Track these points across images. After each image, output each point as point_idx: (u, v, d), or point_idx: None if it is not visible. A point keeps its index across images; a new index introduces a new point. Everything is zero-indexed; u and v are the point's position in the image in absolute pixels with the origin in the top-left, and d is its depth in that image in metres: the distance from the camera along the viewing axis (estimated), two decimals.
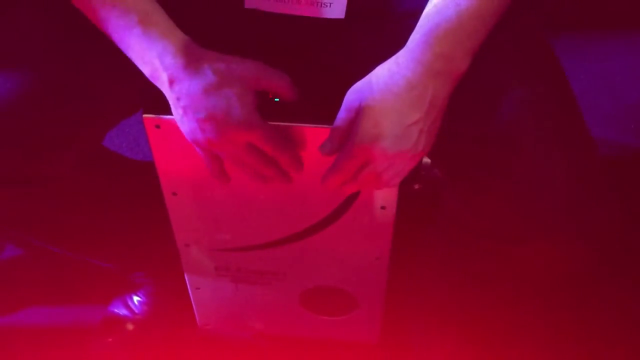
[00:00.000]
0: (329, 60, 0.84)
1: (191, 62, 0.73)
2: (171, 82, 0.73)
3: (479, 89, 0.78)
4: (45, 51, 0.82)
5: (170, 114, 0.77)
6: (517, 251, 0.84)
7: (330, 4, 0.79)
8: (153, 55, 0.73)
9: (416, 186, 1.35)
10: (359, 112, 0.72)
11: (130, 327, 1.22)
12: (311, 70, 0.82)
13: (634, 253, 1.25)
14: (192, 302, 1.12)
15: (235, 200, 0.91)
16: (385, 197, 0.88)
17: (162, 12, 0.75)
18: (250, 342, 1.22)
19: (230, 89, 0.73)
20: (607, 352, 1.16)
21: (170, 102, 0.75)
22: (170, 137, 0.81)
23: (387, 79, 0.71)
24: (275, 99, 0.82)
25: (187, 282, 1.07)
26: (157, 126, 0.80)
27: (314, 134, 0.78)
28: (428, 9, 0.72)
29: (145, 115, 0.80)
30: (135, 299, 1.22)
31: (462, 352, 1.10)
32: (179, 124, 0.76)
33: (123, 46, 0.75)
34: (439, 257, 1.04)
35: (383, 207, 0.89)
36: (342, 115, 0.74)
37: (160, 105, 0.77)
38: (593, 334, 1.18)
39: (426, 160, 1.34)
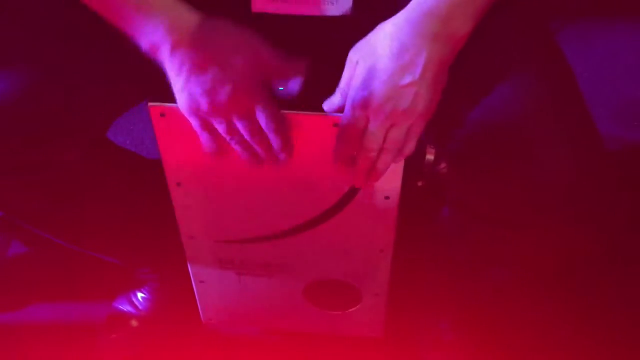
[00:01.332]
0: (337, 57, 0.84)
1: (198, 30, 0.73)
2: (174, 49, 0.72)
3: (485, 76, 0.79)
4: (49, 41, 0.83)
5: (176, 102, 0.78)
6: (521, 236, 0.84)
7: (337, 1, 0.79)
8: (156, 23, 0.72)
9: (420, 183, 1.35)
10: (356, 71, 0.73)
11: (134, 323, 1.22)
12: (320, 67, 0.82)
13: (636, 243, 1.25)
14: (196, 296, 1.12)
15: (240, 192, 0.92)
16: (388, 187, 0.88)
17: None
18: (254, 337, 1.22)
19: (238, 57, 0.73)
20: (608, 346, 1.15)
21: (172, 73, 0.74)
22: (176, 126, 0.81)
23: (382, 41, 0.72)
24: (280, 88, 0.82)
25: (191, 275, 1.07)
26: (163, 114, 0.81)
27: (319, 123, 0.79)
28: None
29: (150, 104, 0.80)
30: (140, 295, 1.23)
31: (466, 345, 1.10)
32: (179, 96, 0.75)
33: (120, 20, 0.74)
34: (442, 251, 1.05)
35: (387, 198, 0.89)
36: (345, 73, 0.75)
37: (166, 94, 0.78)
38: (595, 326, 1.18)
39: (429, 157, 1.34)
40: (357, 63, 0.73)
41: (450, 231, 0.99)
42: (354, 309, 1.10)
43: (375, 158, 0.77)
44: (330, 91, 0.79)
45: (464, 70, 0.77)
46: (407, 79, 0.71)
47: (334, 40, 0.83)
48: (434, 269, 1.10)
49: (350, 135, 0.76)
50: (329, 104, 0.77)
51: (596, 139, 0.82)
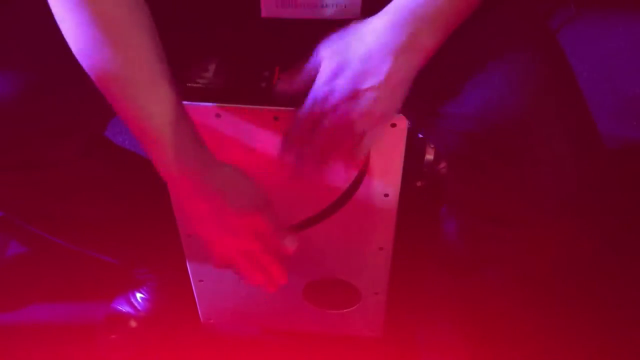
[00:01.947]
0: None
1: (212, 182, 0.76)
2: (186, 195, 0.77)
3: (484, 74, 0.79)
4: (47, 40, 0.83)
5: None
6: (520, 235, 0.84)
7: (345, 5, 0.80)
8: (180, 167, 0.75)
9: (419, 183, 1.35)
10: (322, 64, 0.74)
11: (133, 324, 1.22)
12: None
13: (636, 242, 1.24)
14: (195, 295, 1.12)
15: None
16: (388, 185, 0.88)
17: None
18: (253, 337, 1.21)
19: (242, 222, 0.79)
20: (608, 346, 1.15)
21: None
22: None
23: (352, 42, 0.73)
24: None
25: (190, 274, 1.07)
26: None
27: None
28: None
29: None
30: (139, 295, 1.22)
31: (466, 344, 1.10)
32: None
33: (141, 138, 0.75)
34: (442, 250, 1.05)
35: (386, 195, 0.89)
36: (309, 64, 0.75)
37: None
38: (596, 325, 1.18)
39: (429, 157, 1.34)
40: (324, 59, 0.74)
41: (449, 230, 0.99)
42: (353, 308, 1.10)
43: (321, 153, 0.78)
44: None
45: (461, 67, 0.77)
46: (369, 83, 0.72)
47: None
48: (434, 268, 1.10)
49: (304, 126, 0.76)
50: (286, 85, 0.78)
51: (596, 138, 0.82)
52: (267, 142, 0.84)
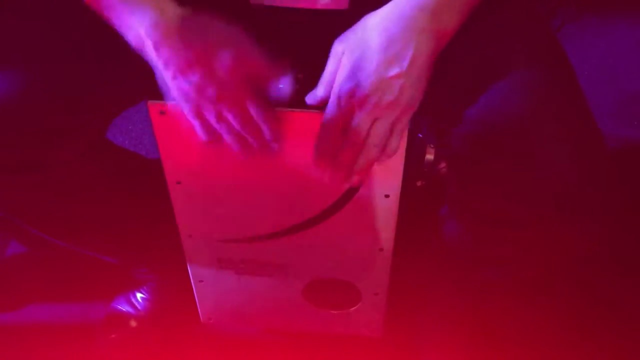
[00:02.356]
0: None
1: (182, 26, 0.72)
2: (157, 46, 0.72)
3: (485, 73, 0.79)
4: (47, 41, 0.83)
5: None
6: (521, 236, 0.84)
7: None
8: (140, 18, 0.72)
9: (419, 183, 1.35)
10: (341, 62, 0.73)
11: (133, 323, 1.22)
12: (317, 61, 0.82)
13: (636, 242, 1.25)
14: (195, 296, 1.12)
15: (239, 190, 0.91)
16: (388, 185, 0.88)
17: None
18: (253, 337, 1.21)
19: (223, 54, 0.73)
20: (609, 346, 1.15)
21: (159, 68, 0.74)
22: (175, 124, 0.81)
23: (370, 32, 0.72)
24: (280, 85, 0.82)
25: (190, 274, 1.07)
26: (162, 112, 0.80)
27: (315, 120, 0.79)
28: None
29: (149, 102, 0.80)
30: (139, 295, 1.22)
31: (466, 345, 1.10)
32: (168, 88, 0.75)
33: (106, 11, 0.73)
34: (442, 251, 1.05)
35: (387, 196, 0.89)
36: (329, 65, 0.74)
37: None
38: (597, 326, 1.18)
39: (429, 157, 1.34)
40: (343, 54, 0.73)
41: (449, 231, 0.99)
42: (353, 309, 1.10)
43: (358, 154, 0.77)
44: None
45: (463, 67, 0.77)
46: (394, 71, 0.71)
47: (332, 34, 0.83)
48: (434, 269, 1.10)
49: (334, 128, 0.75)
50: (312, 97, 0.76)
51: (597, 138, 0.82)
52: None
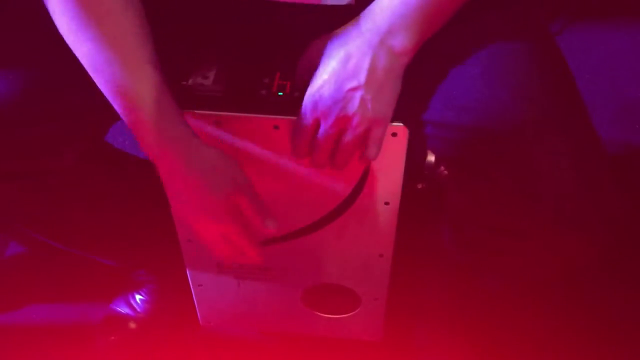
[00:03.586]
0: None
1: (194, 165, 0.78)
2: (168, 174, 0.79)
3: (484, 82, 0.78)
4: (44, 47, 0.82)
5: None
6: (520, 243, 0.83)
7: None
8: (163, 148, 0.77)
9: (419, 186, 1.35)
10: (310, 71, 0.76)
11: (132, 325, 1.22)
12: None
13: (637, 249, 1.24)
14: (194, 300, 1.12)
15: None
16: (388, 193, 0.87)
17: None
18: (252, 340, 1.21)
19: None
20: (608, 351, 1.15)
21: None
22: None
23: (332, 46, 0.75)
24: (280, 93, 0.82)
25: (189, 278, 1.07)
26: None
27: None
28: None
29: None
30: (138, 297, 1.22)
31: (465, 350, 1.10)
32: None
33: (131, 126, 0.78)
34: (441, 255, 1.04)
35: (387, 203, 0.89)
36: (298, 69, 0.79)
37: None
38: (594, 333, 1.17)
39: (429, 159, 1.34)
40: (309, 65, 0.77)
41: (449, 238, 0.99)
42: (352, 313, 1.10)
43: (330, 156, 0.80)
44: None
45: (463, 77, 0.76)
46: (352, 84, 0.74)
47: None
48: (433, 274, 1.09)
49: (303, 136, 0.78)
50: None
51: (596, 145, 0.82)
52: (267, 150, 0.83)
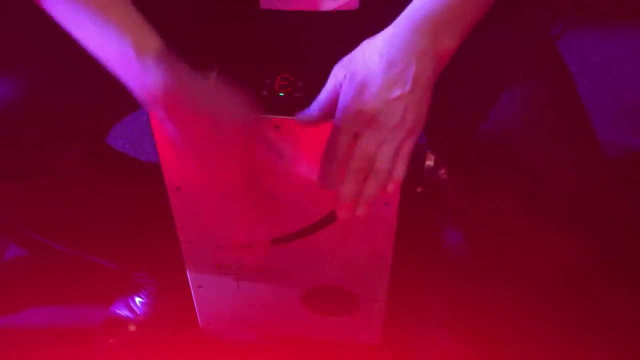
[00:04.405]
0: (345, 52, 0.84)
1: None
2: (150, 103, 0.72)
3: (485, 84, 0.79)
4: (48, 46, 0.83)
5: None
6: (522, 246, 0.84)
7: None
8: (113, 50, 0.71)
9: (419, 189, 1.35)
10: (343, 86, 0.73)
11: (132, 328, 1.21)
12: (328, 64, 0.82)
13: (636, 251, 1.25)
14: (194, 301, 1.12)
15: (239, 197, 0.91)
16: (388, 194, 0.87)
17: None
18: (252, 343, 1.21)
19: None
20: (609, 351, 1.15)
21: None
22: None
23: (371, 55, 0.72)
24: (280, 94, 0.82)
25: (189, 280, 1.07)
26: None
27: (322, 128, 0.78)
28: None
29: None
30: (137, 299, 1.22)
31: (464, 352, 1.10)
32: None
33: (79, 35, 0.72)
34: (441, 258, 1.04)
35: (386, 204, 0.89)
36: (327, 87, 0.74)
37: None
38: (594, 334, 1.18)
39: (429, 163, 1.34)
40: (345, 78, 0.73)
41: (449, 238, 0.99)
42: (352, 315, 1.10)
43: (363, 182, 0.75)
44: None
45: (463, 79, 0.77)
46: (397, 92, 0.71)
47: (343, 36, 0.83)
48: (433, 276, 1.10)
49: (339, 154, 0.74)
50: (305, 116, 0.75)
51: (596, 147, 0.82)
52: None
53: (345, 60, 0.74)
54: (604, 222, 0.82)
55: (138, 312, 1.22)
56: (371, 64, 0.72)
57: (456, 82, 0.76)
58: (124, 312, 1.22)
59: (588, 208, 0.80)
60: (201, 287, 1.08)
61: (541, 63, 0.82)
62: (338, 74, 0.74)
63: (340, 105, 0.73)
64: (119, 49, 0.69)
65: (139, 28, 0.70)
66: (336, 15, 0.80)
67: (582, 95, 0.83)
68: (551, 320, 1.18)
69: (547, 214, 0.80)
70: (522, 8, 0.84)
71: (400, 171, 0.76)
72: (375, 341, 1.16)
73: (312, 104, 0.75)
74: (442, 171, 1.31)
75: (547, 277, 0.91)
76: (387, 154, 0.74)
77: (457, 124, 0.81)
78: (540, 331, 1.16)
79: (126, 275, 1.22)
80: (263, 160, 0.79)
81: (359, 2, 0.79)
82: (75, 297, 1.29)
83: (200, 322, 1.17)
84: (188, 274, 1.06)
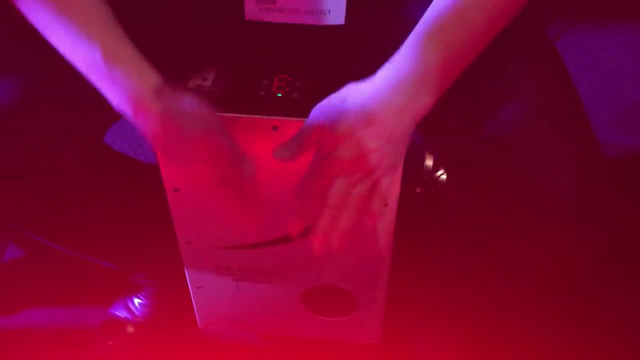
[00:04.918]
0: (329, 66, 0.85)
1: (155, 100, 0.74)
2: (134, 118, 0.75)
3: (484, 84, 0.79)
4: (46, 46, 0.83)
5: None
6: (521, 246, 0.84)
7: (329, 11, 0.79)
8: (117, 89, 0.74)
9: (418, 189, 1.35)
10: (323, 136, 0.74)
11: (130, 329, 1.21)
12: (314, 73, 0.83)
13: (635, 252, 1.25)
14: (193, 302, 1.12)
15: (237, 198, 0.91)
16: (387, 195, 0.87)
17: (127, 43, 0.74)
18: (251, 343, 1.21)
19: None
20: (609, 351, 1.15)
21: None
22: None
23: (352, 108, 0.73)
24: (278, 94, 0.82)
25: (188, 281, 1.07)
26: None
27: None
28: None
29: None
30: (136, 301, 1.22)
31: (464, 353, 1.10)
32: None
33: (89, 75, 0.75)
34: (441, 258, 1.04)
35: (385, 205, 0.89)
36: (306, 129, 0.75)
37: None
38: (594, 332, 1.18)
39: (427, 163, 1.34)
40: (324, 126, 0.74)
41: (449, 238, 0.99)
42: (351, 316, 1.10)
43: (337, 218, 0.77)
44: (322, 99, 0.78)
45: (461, 79, 0.77)
46: (374, 144, 0.73)
47: (327, 49, 0.83)
48: (432, 277, 1.09)
49: (315, 192, 0.76)
50: (281, 152, 0.77)
51: (595, 147, 0.82)
52: (265, 151, 0.84)
53: (325, 106, 0.75)
54: (603, 221, 0.82)
55: (137, 313, 1.22)
56: (351, 117, 0.73)
57: (455, 82, 0.76)
58: (123, 314, 1.22)
59: (587, 208, 0.80)
60: (200, 287, 1.08)
61: (540, 63, 0.82)
62: (318, 119, 0.75)
63: (319, 153, 0.75)
64: (121, 91, 0.73)
65: (137, 67, 0.73)
66: (322, 29, 0.80)
67: (581, 95, 0.83)
68: (551, 320, 1.17)
69: (546, 213, 0.80)
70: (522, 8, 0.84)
71: (377, 205, 0.78)
72: (375, 341, 1.16)
73: (290, 142, 0.76)
74: (441, 171, 1.32)
75: (547, 277, 0.91)
76: (363, 191, 0.76)
77: (457, 123, 0.81)
78: (540, 331, 1.16)
79: (125, 276, 1.22)
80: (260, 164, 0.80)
81: (345, 18, 0.79)
82: (74, 299, 1.29)
83: (199, 323, 1.17)
84: (187, 274, 1.06)
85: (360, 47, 0.84)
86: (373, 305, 1.07)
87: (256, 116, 0.81)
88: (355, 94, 0.74)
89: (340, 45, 0.83)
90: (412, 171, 1.32)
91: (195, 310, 1.14)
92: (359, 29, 0.81)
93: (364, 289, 1.04)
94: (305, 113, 0.80)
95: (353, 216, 0.77)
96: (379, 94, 0.73)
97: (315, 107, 0.76)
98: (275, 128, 0.81)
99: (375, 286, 1.03)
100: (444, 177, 1.32)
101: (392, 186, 0.80)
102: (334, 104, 0.75)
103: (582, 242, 0.83)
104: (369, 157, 0.74)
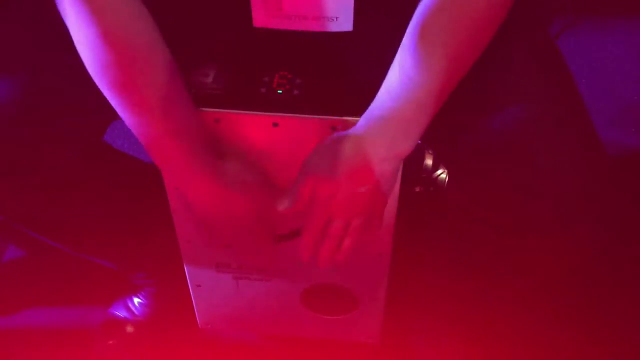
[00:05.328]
0: (337, 72, 0.85)
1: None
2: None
3: (484, 83, 0.79)
4: (46, 45, 0.83)
5: None
6: (522, 244, 0.84)
7: (337, 17, 0.79)
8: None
9: (417, 189, 1.35)
10: (316, 182, 0.78)
11: (130, 329, 1.21)
12: (321, 78, 0.84)
13: (635, 252, 1.25)
14: (193, 301, 1.12)
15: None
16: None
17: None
18: (251, 342, 1.21)
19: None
20: (609, 351, 1.15)
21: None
22: None
23: (337, 160, 0.76)
24: (279, 91, 0.82)
25: (188, 279, 1.07)
26: None
27: (320, 126, 0.79)
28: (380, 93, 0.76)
29: None
30: (136, 301, 1.22)
31: (464, 352, 1.09)
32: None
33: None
34: (441, 257, 1.04)
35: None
36: (299, 184, 0.79)
37: None
38: (595, 331, 1.17)
39: (427, 163, 1.34)
40: (316, 180, 0.78)
41: (449, 237, 0.99)
42: (351, 315, 1.10)
43: (337, 244, 0.83)
44: (329, 104, 0.80)
45: (463, 80, 0.77)
46: (362, 190, 0.77)
47: (335, 56, 0.83)
48: (432, 275, 1.09)
49: (316, 229, 0.82)
50: (282, 204, 0.81)
51: (597, 146, 0.82)
52: (266, 148, 0.84)
53: (314, 159, 0.79)
54: (604, 220, 0.82)
55: (137, 313, 1.22)
56: (338, 169, 0.76)
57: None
58: (123, 314, 1.22)
59: (588, 207, 0.80)
60: (200, 286, 1.08)
61: (541, 62, 0.83)
62: (308, 172, 0.78)
63: (314, 207, 0.79)
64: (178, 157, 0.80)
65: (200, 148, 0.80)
66: (330, 36, 0.80)
67: (582, 95, 0.83)
68: (551, 318, 1.17)
69: (547, 212, 0.80)
70: (522, 8, 0.84)
71: (376, 227, 0.84)
72: (375, 340, 1.15)
73: (287, 195, 0.80)
74: (441, 170, 1.32)
75: (547, 275, 0.91)
76: (361, 221, 0.81)
77: (457, 122, 0.81)
78: (540, 329, 1.16)
79: (125, 276, 1.22)
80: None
81: (354, 24, 0.80)
82: (74, 299, 1.29)
83: (199, 322, 1.17)
84: (187, 273, 1.06)
85: (368, 54, 0.84)
86: (373, 303, 1.07)
87: (257, 113, 0.81)
88: (342, 146, 0.76)
89: (348, 52, 0.83)
90: (412, 171, 1.32)
91: (195, 308, 1.14)
92: (367, 36, 0.81)
93: (364, 287, 1.04)
94: (305, 110, 0.80)
95: (354, 240, 0.83)
96: (362, 148, 0.76)
97: (306, 161, 0.79)
98: (276, 125, 0.81)
99: (375, 285, 1.03)
100: (444, 176, 1.33)
101: (389, 209, 0.85)
102: (323, 158, 0.78)
103: (582, 241, 0.83)
104: (362, 199, 0.78)
